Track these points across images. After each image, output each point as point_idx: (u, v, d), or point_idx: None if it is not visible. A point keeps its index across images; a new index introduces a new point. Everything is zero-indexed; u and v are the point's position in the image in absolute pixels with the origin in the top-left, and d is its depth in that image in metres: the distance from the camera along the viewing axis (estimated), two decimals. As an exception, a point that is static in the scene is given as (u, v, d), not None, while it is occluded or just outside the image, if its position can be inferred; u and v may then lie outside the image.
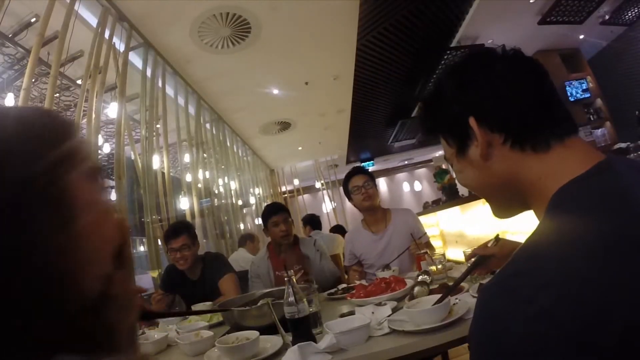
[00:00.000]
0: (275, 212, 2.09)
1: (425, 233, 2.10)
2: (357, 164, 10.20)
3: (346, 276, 2.35)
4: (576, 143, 0.52)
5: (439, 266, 1.59)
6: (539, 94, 0.54)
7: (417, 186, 11.82)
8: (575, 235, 0.42)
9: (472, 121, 0.54)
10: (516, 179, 0.54)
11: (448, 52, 4.47)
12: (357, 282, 1.76)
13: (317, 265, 2.12)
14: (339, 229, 4.45)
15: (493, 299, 0.43)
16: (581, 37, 4.86)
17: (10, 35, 2.94)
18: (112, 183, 2.72)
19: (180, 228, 2.09)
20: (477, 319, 0.44)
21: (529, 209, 0.57)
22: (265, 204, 2.53)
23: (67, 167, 0.30)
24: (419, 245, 1.87)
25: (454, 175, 5.01)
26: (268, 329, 1.16)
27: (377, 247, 2.07)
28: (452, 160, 0.61)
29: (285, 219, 2.08)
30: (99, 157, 4.68)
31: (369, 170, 2.68)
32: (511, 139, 0.53)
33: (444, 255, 1.66)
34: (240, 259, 3.62)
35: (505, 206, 0.60)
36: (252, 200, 7.02)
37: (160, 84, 3.62)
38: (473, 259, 1.15)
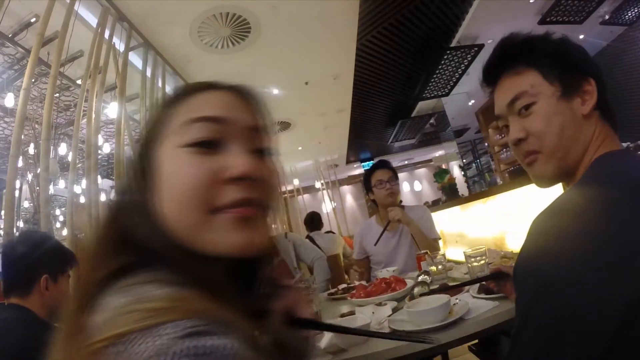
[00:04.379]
0: None
1: (439, 237, 2.09)
2: (357, 164, 10.22)
3: (346, 276, 2.36)
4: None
5: (439, 266, 1.59)
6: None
7: (417, 186, 11.81)
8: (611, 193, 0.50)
9: (593, 83, 0.60)
10: (590, 142, 0.60)
11: (448, 52, 4.47)
12: (357, 282, 1.76)
13: (292, 255, 2.22)
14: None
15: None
16: (581, 37, 4.85)
17: (10, 35, 2.94)
18: (112, 183, 2.72)
19: None
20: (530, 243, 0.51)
21: (565, 180, 0.63)
22: None
23: None
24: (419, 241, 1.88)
25: (454, 176, 4.98)
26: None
27: (388, 245, 2.04)
28: (540, 97, 0.61)
29: None
30: (99, 157, 4.67)
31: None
32: (600, 110, 0.61)
33: (444, 255, 1.65)
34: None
35: (558, 167, 0.62)
36: (252, 200, 7.00)
37: (160, 84, 3.62)
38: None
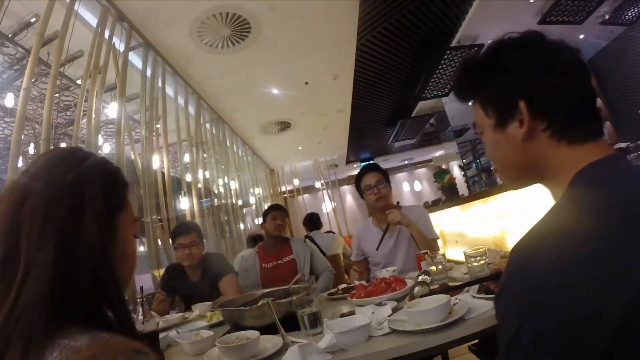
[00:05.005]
0: (276, 209, 2.41)
1: (437, 237, 2.07)
2: (357, 164, 10.22)
3: (346, 276, 2.36)
4: (603, 142, 0.57)
5: (439, 266, 1.59)
6: (587, 92, 0.58)
7: (417, 186, 11.82)
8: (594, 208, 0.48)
9: (522, 105, 0.56)
10: (544, 163, 0.58)
11: (448, 52, 4.47)
12: (357, 282, 1.76)
13: (307, 261, 2.26)
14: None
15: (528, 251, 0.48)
16: (581, 37, 4.85)
17: (10, 35, 2.94)
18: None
19: (190, 226, 2.21)
20: (509, 269, 0.49)
21: (540, 182, 0.61)
22: (268, 204, 2.81)
23: None
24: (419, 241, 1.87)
25: (454, 175, 4.98)
26: (268, 329, 1.16)
27: (386, 246, 2.03)
28: (484, 129, 0.64)
29: (282, 217, 2.36)
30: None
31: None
32: (553, 129, 0.56)
33: (444, 255, 1.65)
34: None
35: (521, 180, 0.64)
36: (252, 200, 7.02)
37: (160, 84, 3.62)
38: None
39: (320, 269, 2.28)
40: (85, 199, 0.50)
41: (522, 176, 0.63)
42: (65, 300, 0.45)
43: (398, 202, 2.10)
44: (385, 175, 2.09)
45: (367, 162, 2.29)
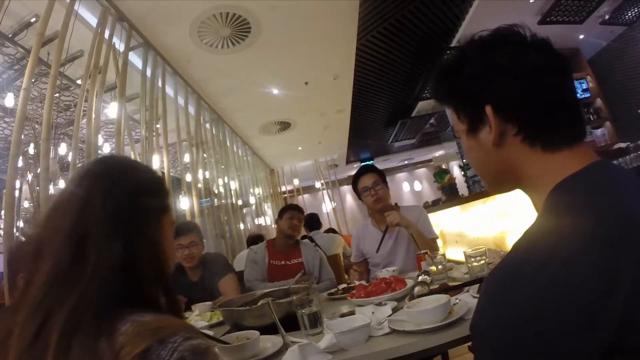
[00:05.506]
0: (295, 209, 2.42)
1: (437, 237, 2.06)
2: (357, 164, 10.22)
3: (346, 276, 2.35)
4: (582, 148, 0.53)
5: (439, 266, 1.59)
6: (562, 94, 0.54)
7: (417, 186, 11.82)
8: (575, 226, 0.45)
9: (488, 110, 0.54)
10: (519, 169, 0.56)
11: (448, 52, 4.47)
12: (357, 282, 1.76)
13: (316, 266, 2.23)
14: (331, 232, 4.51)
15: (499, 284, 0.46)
16: (581, 37, 4.85)
17: (10, 35, 2.94)
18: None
19: (190, 226, 2.19)
20: (480, 304, 0.48)
21: (519, 188, 0.60)
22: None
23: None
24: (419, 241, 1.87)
25: (454, 175, 4.98)
26: (268, 329, 1.16)
27: (385, 247, 2.03)
28: (459, 135, 0.62)
29: (299, 218, 2.38)
30: (99, 157, 4.66)
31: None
32: (524, 133, 0.53)
33: (444, 255, 1.65)
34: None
35: (499, 186, 0.62)
36: (252, 200, 7.02)
37: (160, 84, 3.62)
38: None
39: (323, 278, 2.27)
40: (145, 204, 0.61)
41: (499, 182, 0.61)
42: (128, 289, 0.53)
43: (396, 204, 2.09)
44: (382, 176, 2.08)
45: (364, 164, 2.26)
